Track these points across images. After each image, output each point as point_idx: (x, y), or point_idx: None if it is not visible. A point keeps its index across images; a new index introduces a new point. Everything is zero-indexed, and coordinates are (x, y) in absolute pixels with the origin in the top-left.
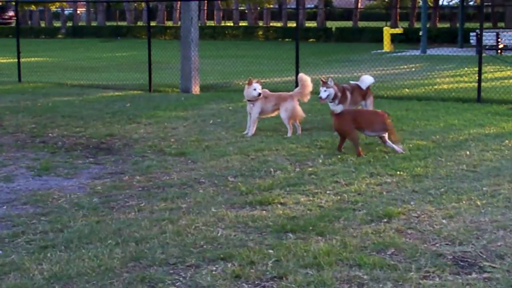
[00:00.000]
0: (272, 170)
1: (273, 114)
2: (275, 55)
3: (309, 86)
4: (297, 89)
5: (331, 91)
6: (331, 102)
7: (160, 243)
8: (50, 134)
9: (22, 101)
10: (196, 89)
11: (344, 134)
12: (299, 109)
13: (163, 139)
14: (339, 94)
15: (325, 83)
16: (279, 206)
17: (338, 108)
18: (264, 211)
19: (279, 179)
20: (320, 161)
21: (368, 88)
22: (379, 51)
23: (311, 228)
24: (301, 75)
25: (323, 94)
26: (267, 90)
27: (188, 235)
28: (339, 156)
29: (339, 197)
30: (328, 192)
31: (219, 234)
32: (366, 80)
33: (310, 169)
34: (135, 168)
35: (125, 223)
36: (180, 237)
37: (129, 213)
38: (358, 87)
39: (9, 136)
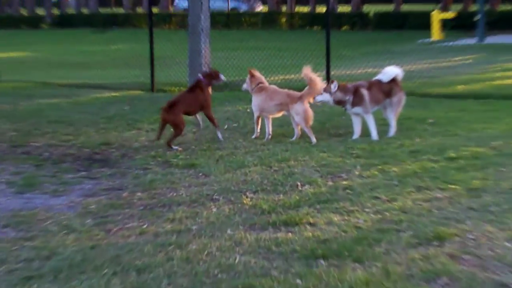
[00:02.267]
0: (299, 184)
1: (279, 115)
2: (301, 47)
3: (319, 83)
4: (306, 89)
5: (326, 98)
6: (344, 107)
7: (166, 272)
8: (34, 143)
9: (1, 104)
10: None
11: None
12: (310, 113)
13: (169, 149)
14: (347, 98)
15: (327, 87)
16: (307, 227)
17: (356, 111)
18: (290, 233)
19: (308, 194)
20: (357, 173)
21: (394, 82)
22: (426, 40)
23: (346, 253)
24: (305, 71)
25: (317, 98)
26: (274, 86)
27: (200, 263)
28: (379, 167)
29: (379, 216)
30: (366, 210)
31: (236, 261)
32: (389, 72)
33: (345, 182)
34: (136, 183)
35: (125, 249)
36: (190, 265)
37: (129, 236)
38: (379, 82)
39: None
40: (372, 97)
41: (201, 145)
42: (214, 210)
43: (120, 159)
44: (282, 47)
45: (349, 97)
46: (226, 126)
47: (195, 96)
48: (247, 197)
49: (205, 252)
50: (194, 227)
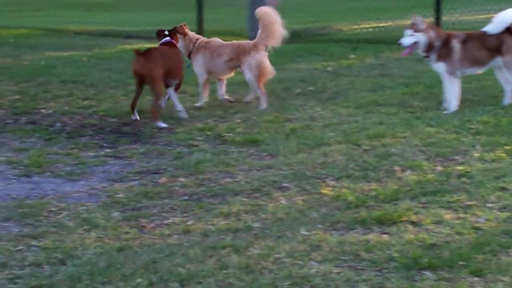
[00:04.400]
0: (397, 169)
1: (231, 74)
2: None
3: (276, 23)
4: (259, 33)
5: (421, 37)
6: (425, 56)
7: (219, 284)
8: (42, 110)
9: None
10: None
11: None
12: (267, 65)
13: (222, 119)
14: (437, 44)
15: (413, 25)
16: (409, 226)
17: (439, 67)
18: (385, 235)
19: (409, 183)
20: (476, 154)
21: (508, 33)
22: None
23: (461, 263)
24: (260, 9)
25: (405, 40)
26: (217, 39)
27: (264, 272)
28: (507, 147)
29: (507, 214)
30: (489, 205)
31: (312, 271)
32: (503, 18)
33: (460, 167)
34: (177, 165)
35: (163, 252)
36: (251, 275)
37: (169, 235)
38: (484, 35)
39: None
40: (465, 55)
41: (266, 114)
42: (283, 202)
43: (156, 133)
44: None
45: (438, 44)
46: (299, 91)
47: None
48: (327, 185)
49: (271, 259)
50: (255, 225)
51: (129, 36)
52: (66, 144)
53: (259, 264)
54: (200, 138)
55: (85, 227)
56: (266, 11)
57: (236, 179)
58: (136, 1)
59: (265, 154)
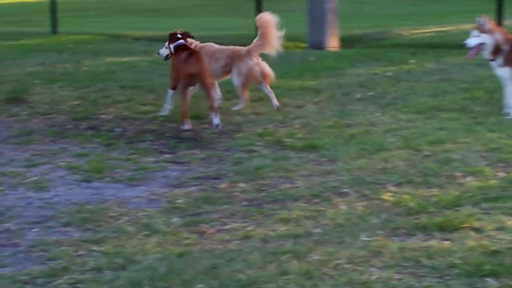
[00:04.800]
0: (459, 174)
1: (226, 77)
2: None
3: (273, 33)
4: (255, 40)
5: (486, 39)
6: (490, 59)
7: None
8: (102, 116)
9: (58, 63)
10: (333, 44)
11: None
12: (264, 68)
13: (282, 124)
14: (504, 48)
15: (479, 26)
16: (470, 233)
17: (504, 72)
18: (446, 242)
19: (471, 189)
20: None
21: None
22: None
23: None
24: (261, 16)
25: (471, 41)
26: (212, 44)
27: (324, 278)
28: None
29: None
30: None
31: (373, 277)
32: None
33: None
34: (237, 170)
35: (223, 258)
36: (311, 281)
37: (229, 241)
38: None
39: (40, 119)
40: None
41: (325, 119)
42: (343, 208)
43: (215, 138)
44: None
45: (505, 48)
46: (359, 96)
47: None
48: (387, 191)
49: (331, 265)
50: (315, 231)
51: None
52: (126, 150)
53: (319, 270)
54: (259, 143)
55: (146, 232)
56: (266, 19)
57: (296, 185)
58: (197, 6)
59: (325, 159)
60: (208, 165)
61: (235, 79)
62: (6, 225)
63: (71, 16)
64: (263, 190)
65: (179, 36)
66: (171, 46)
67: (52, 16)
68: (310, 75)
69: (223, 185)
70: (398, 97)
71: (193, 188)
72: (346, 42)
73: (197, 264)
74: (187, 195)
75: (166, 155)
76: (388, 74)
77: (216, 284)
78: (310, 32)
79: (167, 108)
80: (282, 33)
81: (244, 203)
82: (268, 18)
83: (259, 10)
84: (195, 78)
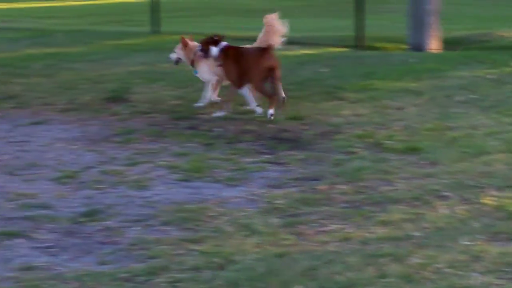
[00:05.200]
0: None
1: None
2: None
3: (277, 33)
4: (259, 39)
5: None
6: None
7: None
8: (202, 116)
9: (159, 63)
10: (434, 45)
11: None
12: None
13: (382, 126)
14: None
15: None
16: None
17: None
18: None
19: None
20: None
21: None
22: None
23: None
24: (268, 17)
25: None
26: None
27: (424, 282)
28: None
29: None
30: None
31: (473, 282)
32: None
33: None
34: (336, 172)
35: (321, 259)
36: (411, 284)
37: (328, 243)
38: None
39: (140, 118)
40: None
41: (426, 122)
42: (444, 211)
43: (315, 139)
44: None
45: None
46: (460, 98)
47: None
48: (488, 195)
49: (431, 268)
50: (415, 234)
51: (287, 41)
52: (225, 150)
53: (419, 273)
54: (359, 145)
55: (244, 232)
56: (272, 20)
57: (396, 187)
58: (294, 7)
59: (425, 162)
60: (307, 166)
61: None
62: (107, 222)
63: (172, 16)
64: (363, 192)
65: (216, 39)
66: (214, 49)
67: (153, 15)
68: (410, 77)
69: (322, 187)
70: (500, 100)
71: (292, 189)
72: (447, 43)
73: (296, 265)
74: (286, 196)
75: (266, 156)
76: (491, 76)
77: (314, 286)
78: (410, 34)
79: (255, 107)
80: (285, 31)
81: (343, 205)
82: (273, 19)
83: (359, 11)
84: (271, 71)
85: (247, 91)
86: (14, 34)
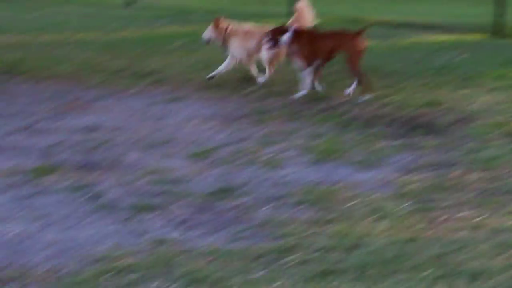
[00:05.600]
0: None
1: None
2: None
3: (306, 19)
4: (289, 22)
5: None
6: None
7: (508, 282)
8: (337, 98)
9: None
10: None
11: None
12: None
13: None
14: None
15: None
16: None
17: None
18: None
19: None
20: None
21: None
22: None
23: None
24: (299, 3)
25: None
26: (245, 25)
27: None
28: None
29: None
30: None
31: None
32: None
33: None
34: (470, 159)
35: (451, 246)
36: None
37: (459, 230)
38: None
39: (275, 98)
40: None
41: None
42: None
43: (450, 126)
44: None
45: None
46: None
47: None
48: None
49: None
50: None
51: (425, 27)
52: (359, 133)
53: None
54: (495, 133)
55: (375, 216)
56: (303, 7)
57: None
58: None
59: None
60: (440, 152)
61: (265, 53)
62: (240, 200)
63: None
64: (497, 181)
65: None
66: (285, 35)
67: None
68: None
69: (455, 174)
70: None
71: (425, 175)
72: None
73: (425, 251)
74: (418, 181)
75: (399, 140)
76: None
77: (443, 272)
78: None
79: (306, 89)
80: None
81: (476, 192)
82: (304, 6)
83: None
84: (362, 53)
85: (310, 73)
86: (154, 12)
